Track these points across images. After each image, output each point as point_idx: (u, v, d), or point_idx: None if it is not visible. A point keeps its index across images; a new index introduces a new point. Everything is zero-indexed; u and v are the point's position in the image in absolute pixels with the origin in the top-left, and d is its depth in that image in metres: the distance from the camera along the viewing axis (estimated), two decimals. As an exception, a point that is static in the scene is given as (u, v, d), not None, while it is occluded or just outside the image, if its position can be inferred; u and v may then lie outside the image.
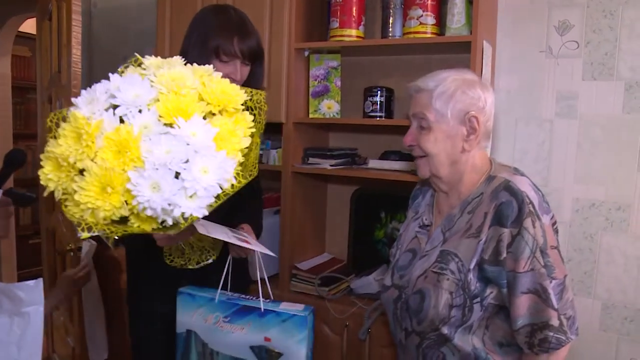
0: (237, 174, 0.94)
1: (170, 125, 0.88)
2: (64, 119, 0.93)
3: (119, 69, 0.99)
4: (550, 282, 1.14)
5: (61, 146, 0.87)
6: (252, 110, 1.01)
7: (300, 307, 1.27)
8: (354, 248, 2.37)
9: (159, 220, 0.89)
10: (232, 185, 0.92)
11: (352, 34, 2.06)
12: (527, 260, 1.14)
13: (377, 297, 1.99)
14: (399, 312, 1.33)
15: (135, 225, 0.91)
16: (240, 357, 1.27)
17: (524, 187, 1.18)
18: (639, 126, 1.91)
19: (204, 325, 1.30)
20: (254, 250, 1.31)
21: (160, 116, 0.88)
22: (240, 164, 0.94)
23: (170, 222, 0.89)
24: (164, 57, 2.41)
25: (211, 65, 1.45)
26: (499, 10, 2.10)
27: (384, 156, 2.15)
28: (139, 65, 1.00)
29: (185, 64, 1.01)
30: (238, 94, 0.95)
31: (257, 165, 1.05)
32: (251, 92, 1.02)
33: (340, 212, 2.43)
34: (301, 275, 2.19)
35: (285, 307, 1.27)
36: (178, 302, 1.31)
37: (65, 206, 0.92)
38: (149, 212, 0.87)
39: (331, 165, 2.12)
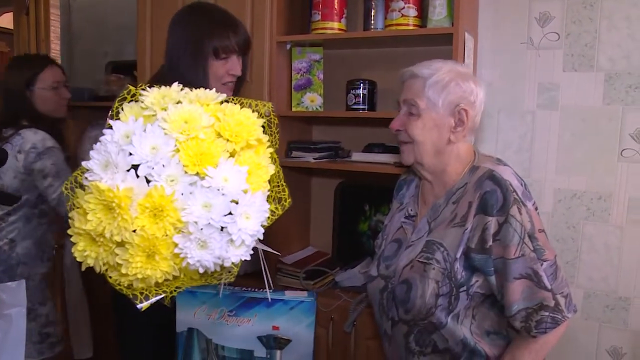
0: (273, 208, 0.93)
1: (197, 173, 0.84)
2: (80, 186, 0.87)
3: (115, 105, 0.92)
4: (542, 264, 1.17)
5: (91, 221, 0.82)
6: (264, 127, 0.97)
7: (304, 293, 1.32)
8: (339, 241, 2.37)
9: (210, 272, 0.88)
10: (269, 218, 0.91)
11: (334, 26, 2.05)
12: (517, 246, 1.16)
13: (362, 289, 1.99)
14: (385, 302, 1.34)
15: (187, 279, 0.89)
16: (247, 348, 1.29)
17: (508, 176, 1.20)
18: (619, 117, 1.93)
19: (207, 322, 1.30)
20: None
21: (185, 166, 0.83)
22: (269, 193, 0.93)
23: (219, 268, 0.88)
24: (144, 50, 2.39)
25: (213, 66, 1.44)
26: (480, 2, 2.10)
27: (368, 149, 2.15)
28: (133, 97, 0.93)
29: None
30: (254, 122, 0.91)
31: (286, 190, 1.00)
32: (256, 105, 0.97)
33: (324, 205, 2.42)
34: (286, 269, 2.19)
35: (290, 295, 1.31)
36: (177, 301, 1.31)
37: (110, 277, 0.88)
38: (201, 270, 0.86)
39: (315, 159, 2.11)
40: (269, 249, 1.32)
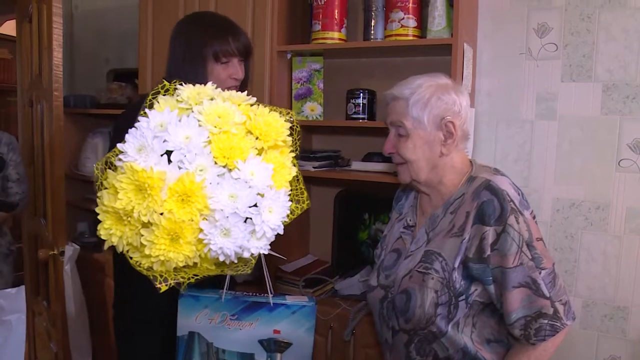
0: (293, 207, 0.97)
1: (225, 166, 0.88)
2: (110, 166, 0.91)
3: (149, 97, 0.97)
4: (540, 272, 1.17)
5: (122, 200, 0.85)
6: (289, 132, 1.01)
7: (305, 298, 1.33)
8: (338, 250, 2.38)
9: (227, 262, 0.91)
10: (288, 216, 0.95)
11: (334, 36, 2.07)
12: (515, 255, 1.17)
13: (361, 298, 2.00)
14: (385, 311, 1.35)
15: (204, 267, 0.92)
16: (248, 352, 1.31)
17: (505, 186, 1.21)
18: (617, 127, 1.94)
19: (209, 326, 1.31)
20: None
21: (215, 158, 0.88)
22: (290, 194, 0.97)
23: (235, 260, 0.91)
24: (146, 58, 2.40)
25: (214, 70, 1.45)
26: (479, 13, 2.12)
27: (367, 158, 2.17)
28: (167, 92, 0.98)
29: (182, 81, 1.00)
30: (282, 125, 0.96)
31: (305, 192, 1.04)
32: (280, 112, 1.01)
33: (323, 213, 2.43)
34: (286, 277, 2.20)
35: (291, 300, 1.33)
36: (180, 305, 1.32)
37: (130, 257, 0.91)
38: (221, 258, 0.89)
39: (314, 167, 2.13)
40: (276, 254, 1.34)
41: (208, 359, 1.33)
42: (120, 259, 1.57)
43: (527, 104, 2.08)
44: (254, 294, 1.36)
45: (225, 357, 1.32)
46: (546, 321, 1.17)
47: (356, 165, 2.16)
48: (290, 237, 2.34)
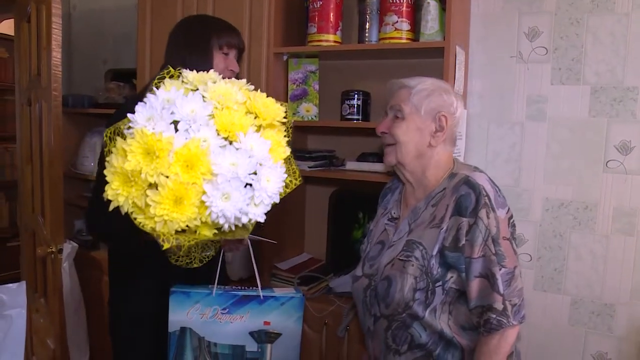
0: (288, 181, 1.05)
1: (226, 138, 0.95)
2: (119, 134, 0.97)
3: (155, 81, 1.03)
4: (500, 269, 1.24)
5: (130, 162, 0.90)
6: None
7: (292, 290, 1.41)
8: (333, 248, 2.41)
9: (226, 228, 0.97)
10: (283, 188, 1.02)
11: (329, 39, 2.11)
12: (479, 247, 1.25)
13: (355, 295, 2.03)
14: (368, 299, 1.42)
15: (203, 232, 0.97)
16: (239, 344, 1.35)
17: (482, 182, 1.30)
18: (604, 129, 1.99)
19: (200, 320, 1.35)
20: (234, 252, 1.37)
21: (217, 130, 0.95)
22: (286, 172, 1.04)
23: (233, 228, 0.97)
24: (144, 58, 2.43)
25: (215, 59, 1.52)
26: (471, 17, 2.17)
27: (361, 158, 2.20)
28: (172, 76, 1.04)
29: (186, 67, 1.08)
30: (279, 107, 1.05)
31: (297, 171, 1.12)
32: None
33: (318, 212, 2.47)
34: (281, 274, 2.23)
35: (279, 292, 1.39)
36: (171, 302, 1.35)
37: (135, 218, 0.95)
38: (221, 221, 0.94)
39: (310, 167, 2.16)
40: (265, 239, 1.40)
41: (200, 353, 1.36)
42: (115, 257, 1.61)
43: (518, 106, 2.13)
44: (244, 287, 1.40)
45: (217, 350, 1.36)
46: (494, 316, 1.24)
47: (350, 165, 2.20)
48: (286, 236, 2.38)
